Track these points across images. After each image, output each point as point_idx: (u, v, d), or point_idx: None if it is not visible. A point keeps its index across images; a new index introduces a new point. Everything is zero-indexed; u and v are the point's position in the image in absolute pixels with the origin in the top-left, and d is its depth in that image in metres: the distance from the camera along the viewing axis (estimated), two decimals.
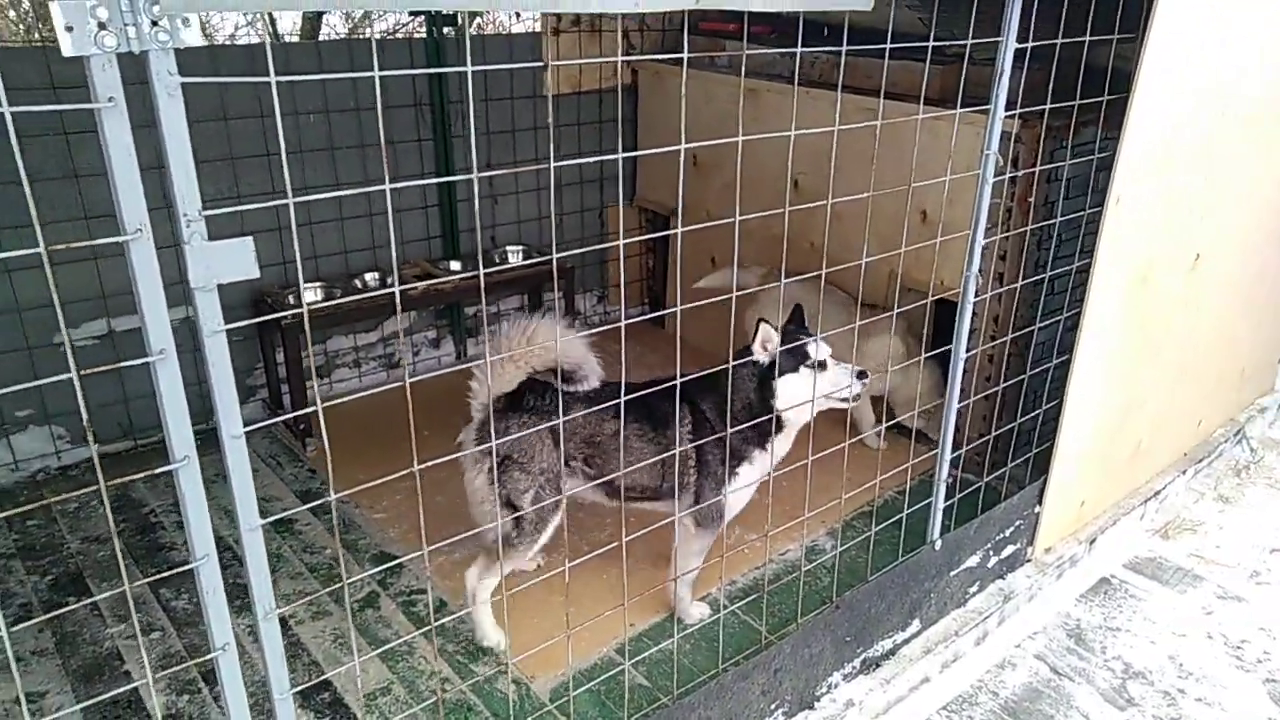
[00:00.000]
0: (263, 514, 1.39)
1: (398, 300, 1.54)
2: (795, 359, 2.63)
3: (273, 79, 1.21)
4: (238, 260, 1.24)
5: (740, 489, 2.73)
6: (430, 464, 1.63)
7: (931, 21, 3.26)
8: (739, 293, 2.22)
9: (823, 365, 2.65)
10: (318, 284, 4.10)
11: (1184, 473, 3.82)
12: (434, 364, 4.72)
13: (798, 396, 2.60)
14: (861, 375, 2.67)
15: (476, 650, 2.81)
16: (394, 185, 1.43)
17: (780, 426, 2.72)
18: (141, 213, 1.16)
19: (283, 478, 3.74)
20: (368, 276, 4.20)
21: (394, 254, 1.42)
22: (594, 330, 2.71)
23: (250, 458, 1.36)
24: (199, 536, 1.34)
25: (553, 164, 1.68)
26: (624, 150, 5.03)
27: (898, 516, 2.85)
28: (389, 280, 4.20)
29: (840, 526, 3.30)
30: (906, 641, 2.83)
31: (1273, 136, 3.34)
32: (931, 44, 2.06)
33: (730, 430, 2.49)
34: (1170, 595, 3.31)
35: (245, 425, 1.32)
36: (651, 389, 2.49)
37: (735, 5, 1.70)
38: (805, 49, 1.78)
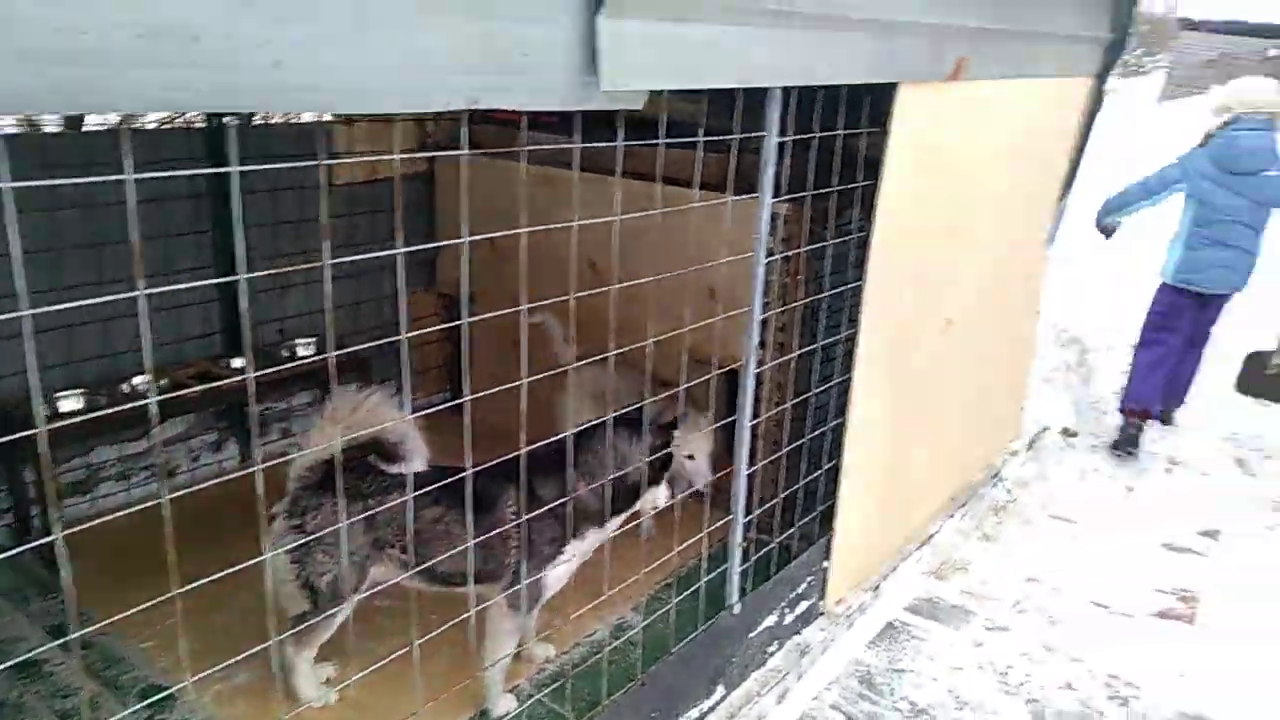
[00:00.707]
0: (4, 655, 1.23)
1: (155, 408, 1.44)
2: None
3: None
4: None
5: (564, 566, 2.73)
6: (193, 586, 1.51)
7: (705, 113, 3.52)
8: (538, 376, 2.24)
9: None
10: (77, 391, 3.74)
11: (951, 516, 4.18)
12: (215, 469, 4.41)
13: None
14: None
15: None
16: (151, 291, 1.35)
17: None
18: None
19: (29, 614, 3.32)
20: (136, 380, 3.89)
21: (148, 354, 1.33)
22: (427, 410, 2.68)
23: None
24: None
25: (327, 260, 1.63)
26: (422, 237, 5.00)
27: (697, 585, 2.92)
28: (161, 383, 3.91)
29: (644, 600, 3.34)
30: (713, 709, 2.88)
31: (1004, 214, 3.82)
32: (703, 138, 2.21)
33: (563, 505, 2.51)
34: (947, 632, 3.57)
35: None
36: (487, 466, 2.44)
37: (519, 103, 1.71)
38: (585, 144, 1.87)
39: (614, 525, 2.82)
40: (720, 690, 2.91)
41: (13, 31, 0.90)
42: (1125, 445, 5.04)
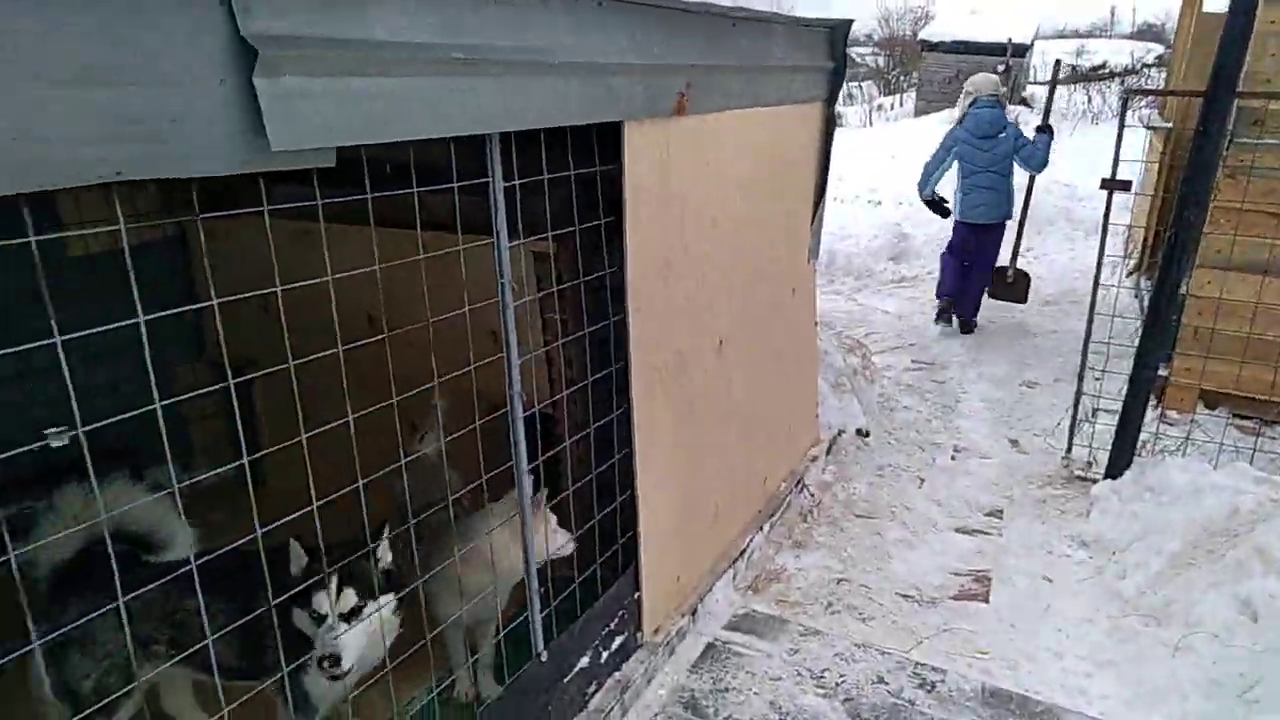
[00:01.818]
0: None
1: None
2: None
3: None
4: None
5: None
6: None
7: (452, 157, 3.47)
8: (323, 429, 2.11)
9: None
10: None
11: (761, 528, 4.29)
12: None
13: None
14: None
15: None
16: None
17: None
18: None
19: None
20: None
21: None
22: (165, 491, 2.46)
23: None
24: None
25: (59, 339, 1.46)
26: (178, 304, 4.67)
27: (495, 638, 2.84)
28: None
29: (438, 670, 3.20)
30: None
31: (757, 233, 3.99)
32: (419, 188, 2.15)
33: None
34: (764, 645, 3.64)
35: None
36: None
37: (180, 171, 1.63)
38: (331, 198, 1.79)
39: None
40: None
41: None
42: (941, 317, 7.51)
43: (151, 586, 2.05)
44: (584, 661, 3.11)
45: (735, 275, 3.79)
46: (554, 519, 3.06)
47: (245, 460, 1.88)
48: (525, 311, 3.64)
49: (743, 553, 4.09)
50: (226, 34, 1.34)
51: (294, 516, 2.03)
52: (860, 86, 24.00)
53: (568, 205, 2.98)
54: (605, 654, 3.23)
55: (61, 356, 1.52)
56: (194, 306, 2.05)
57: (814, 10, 3.83)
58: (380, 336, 2.28)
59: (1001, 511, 4.74)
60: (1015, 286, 7.39)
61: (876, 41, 28.99)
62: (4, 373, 3.99)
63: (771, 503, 4.48)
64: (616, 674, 3.29)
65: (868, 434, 5.38)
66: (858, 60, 25.64)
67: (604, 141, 2.75)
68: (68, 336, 1.48)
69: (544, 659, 2.88)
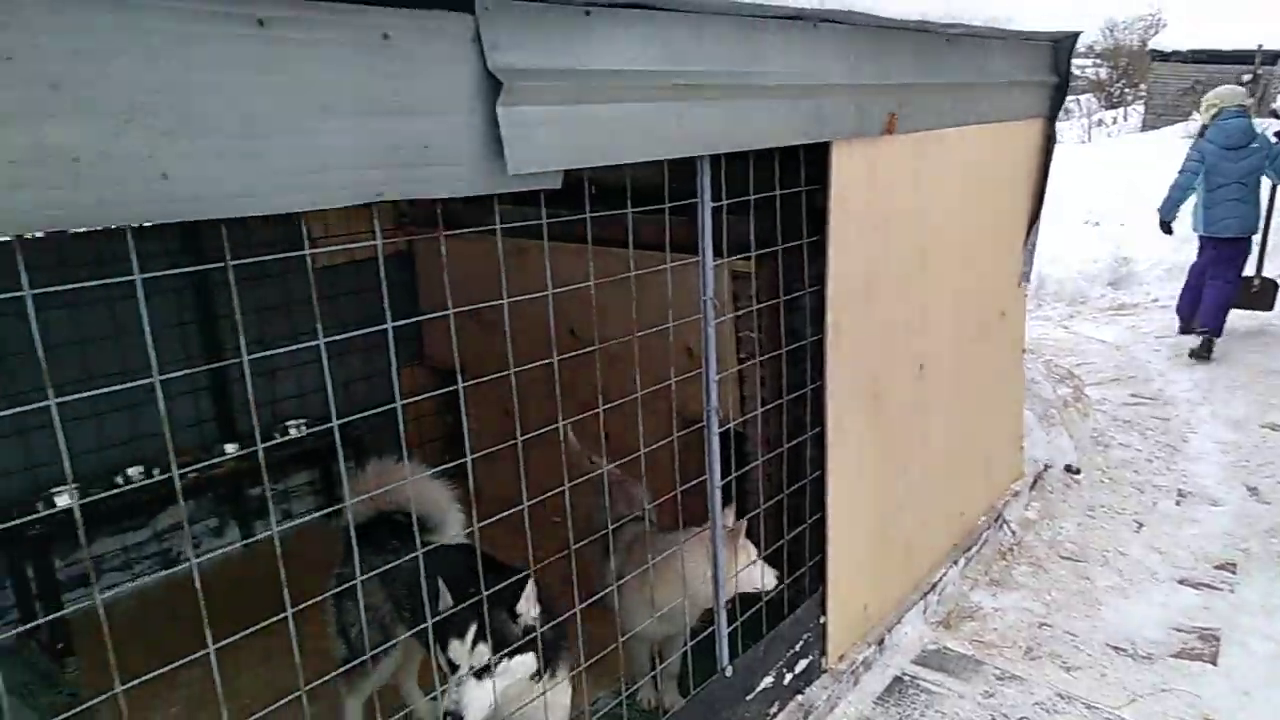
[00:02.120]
0: None
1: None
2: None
3: None
4: None
5: None
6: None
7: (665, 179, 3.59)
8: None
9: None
10: (71, 485, 3.80)
11: (956, 563, 4.10)
12: (215, 555, 4.44)
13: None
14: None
15: None
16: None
17: None
18: None
19: (35, 707, 3.34)
20: (130, 471, 3.96)
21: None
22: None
23: None
24: None
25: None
26: (404, 313, 5.08)
27: (681, 650, 2.89)
28: (154, 473, 3.98)
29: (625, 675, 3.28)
30: None
31: (967, 256, 3.83)
32: (631, 209, 2.24)
33: None
34: (956, 684, 3.48)
35: None
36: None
37: (428, 193, 1.80)
38: (550, 218, 1.93)
39: None
40: None
41: None
42: (1201, 352, 7.00)
43: (404, 559, 2.26)
44: (767, 681, 3.09)
45: (940, 297, 3.66)
46: (753, 551, 3.05)
47: (469, 459, 2.02)
48: (723, 329, 3.69)
49: (934, 586, 3.93)
50: (477, 68, 1.48)
51: (504, 515, 2.16)
52: (1079, 101, 22.44)
53: (770, 224, 3.01)
54: (789, 676, 3.20)
55: (323, 354, 1.70)
56: (424, 317, 2.22)
57: (1037, 23, 3.65)
58: (588, 350, 2.38)
59: (1235, 565, 4.26)
60: (1261, 295, 7.14)
61: (1099, 52, 26.95)
62: (256, 369, 4.48)
63: (968, 537, 4.27)
64: (799, 697, 3.25)
65: (1078, 471, 5.01)
66: (1077, 73, 24.00)
67: (811, 160, 2.75)
68: (330, 338, 1.65)
69: (729, 674, 2.89)
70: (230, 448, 4.30)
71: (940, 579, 3.97)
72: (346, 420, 1.74)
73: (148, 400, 4.16)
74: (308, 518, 4.52)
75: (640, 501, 3.40)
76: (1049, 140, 4.15)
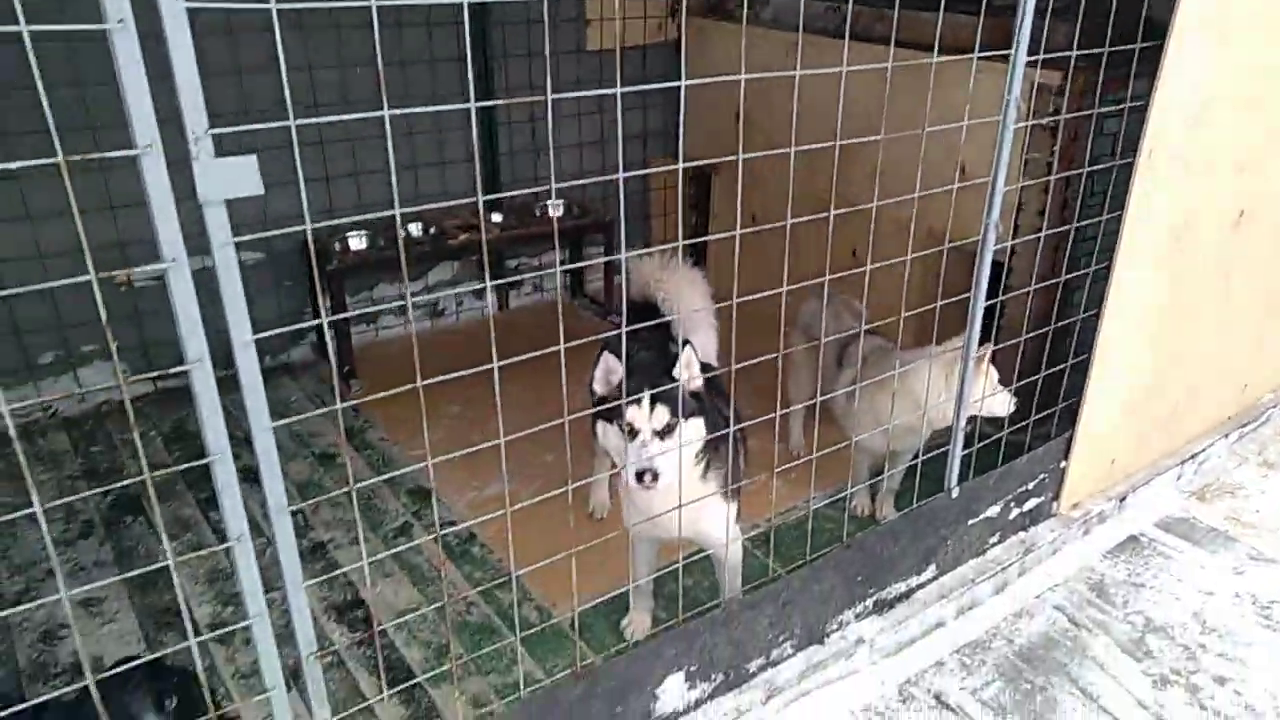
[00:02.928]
0: (309, 446, 1.50)
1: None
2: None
3: (274, 6, 1.27)
4: (243, 177, 1.34)
5: None
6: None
7: None
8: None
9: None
10: (363, 232, 4.23)
11: (1226, 436, 3.74)
12: (476, 315, 4.85)
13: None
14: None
15: (499, 577, 2.95)
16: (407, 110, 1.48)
17: None
18: (152, 128, 1.25)
19: (328, 415, 3.92)
20: (411, 227, 4.33)
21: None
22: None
23: (299, 397, 1.46)
24: (214, 433, 1.45)
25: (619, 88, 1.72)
26: (666, 106, 5.05)
27: (913, 461, 2.87)
28: (431, 230, 4.33)
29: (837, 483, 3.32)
30: (921, 586, 2.87)
31: None
32: None
33: None
34: (1200, 555, 3.27)
35: (297, 365, 1.43)
36: None
37: None
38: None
39: None
40: (932, 570, 2.88)
41: None
42: None
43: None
44: (992, 511, 3.03)
45: None
46: (995, 375, 2.95)
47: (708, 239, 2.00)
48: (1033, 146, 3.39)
49: (1195, 456, 3.62)
50: None
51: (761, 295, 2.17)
52: None
53: (1091, 33, 2.64)
54: (1015, 511, 3.12)
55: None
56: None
57: None
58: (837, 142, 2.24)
59: None
60: None
61: None
62: (520, 148, 4.68)
63: (1248, 412, 3.86)
64: (1022, 534, 3.18)
65: None
66: None
67: None
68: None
69: (954, 495, 2.86)
70: (496, 218, 4.58)
71: (1204, 450, 3.65)
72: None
73: (429, 163, 4.49)
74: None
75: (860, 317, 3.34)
76: None
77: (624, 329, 2.01)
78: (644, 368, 2.24)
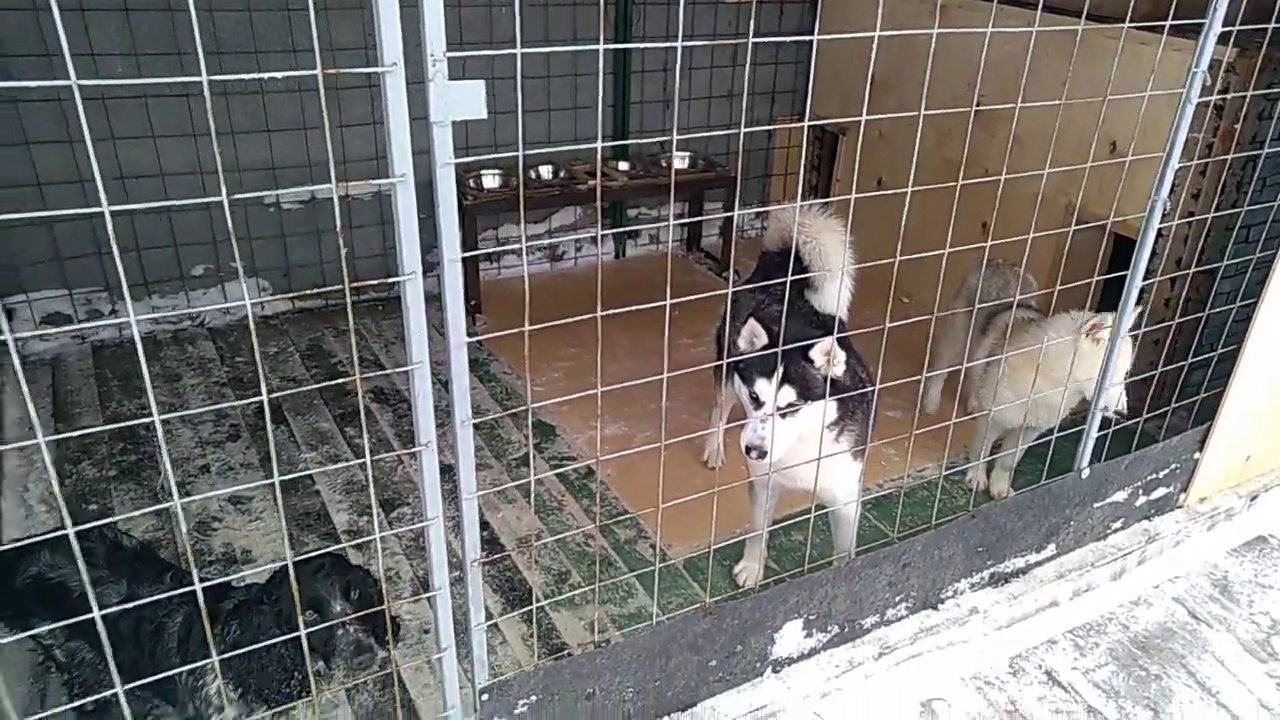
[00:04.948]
0: (434, 375, 1.58)
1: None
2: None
3: None
4: (471, 101, 1.40)
5: None
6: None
7: None
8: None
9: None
10: (496, 171, 4.32)
11: None
12: (593, 261, 4.92)
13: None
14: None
15: (616, 513, 3.04)
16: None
17: None
18: (397, 49, 1.31)
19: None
20: (542, 169, 4.40)
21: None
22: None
23: (427, 328, 1.53)
24: (417, 345, 1.54)
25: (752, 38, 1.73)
26: (799, 64, 4.99)
27: (1045, 439, 2.84)
28: (560, 174, 4.40)
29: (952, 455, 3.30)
30: (1039, 563, 2.85)
31: None
32: None
33: None
34: None
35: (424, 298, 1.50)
36: None
37: None
38: None
39: None
40: (1051, 548, 2.86)
41: None
42: None
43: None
44: (1119, 496, 2.98)
45: None
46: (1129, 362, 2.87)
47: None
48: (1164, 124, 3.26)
49: None
50: None
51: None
52: None
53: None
54: (1142, 499, 3.06)
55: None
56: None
57: None
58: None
59: None
60: None
61: None
62: (650, 98, 4.68)
63: None
64: (1146, 523, 3.12)
65: None
66: None
67: None
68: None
69: (1084, 476, 2.82)
70: (622, 166, 4.62)
71: None
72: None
73: (561, 108, 4.52)
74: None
75: (1029, 287, 3.27)
76: None
77: (743, 287, 2.02)
78: (788, 339, 2.23)
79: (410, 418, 3.26)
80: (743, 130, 1.65)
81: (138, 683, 1.47)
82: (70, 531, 1.25)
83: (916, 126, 1.90)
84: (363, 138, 3.99)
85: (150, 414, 1.24)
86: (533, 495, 3.10)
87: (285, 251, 4.01)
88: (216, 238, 3.96)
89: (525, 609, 2.63)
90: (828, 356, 2.25)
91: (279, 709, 1.66)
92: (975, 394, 3.27)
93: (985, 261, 3.22)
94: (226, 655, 1.51)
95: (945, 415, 3.13)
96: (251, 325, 1.40)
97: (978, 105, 3.83)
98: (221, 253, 4.01)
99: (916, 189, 1.93)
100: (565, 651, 2.51)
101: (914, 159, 1.97)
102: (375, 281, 1.41)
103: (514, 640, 2.56)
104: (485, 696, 1.89)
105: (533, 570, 2.83)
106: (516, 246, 4.50)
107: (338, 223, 1.39)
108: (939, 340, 3.52)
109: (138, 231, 3.79)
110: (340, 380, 3.52)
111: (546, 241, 3.91)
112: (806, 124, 5.09)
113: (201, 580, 1.45)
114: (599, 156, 1.61)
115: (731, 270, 4.52)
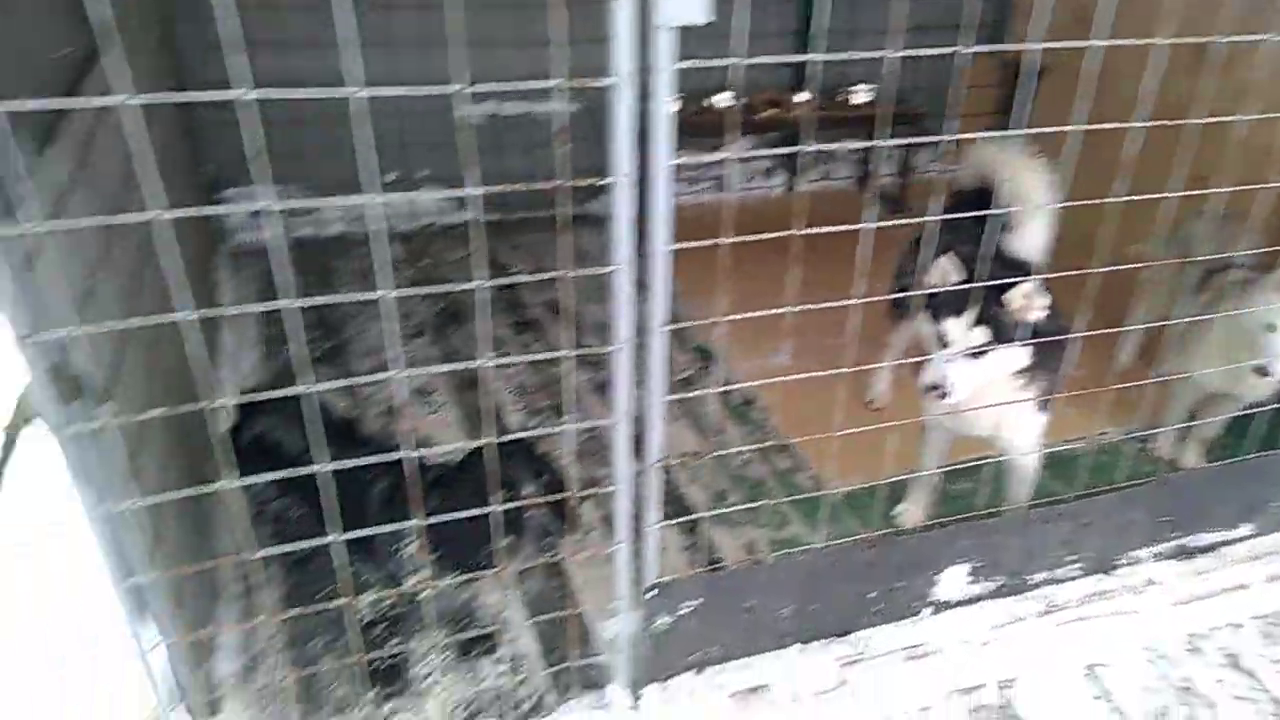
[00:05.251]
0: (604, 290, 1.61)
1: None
2: None
3: None
4: (696, 4, 1.41)
5: None
6: None
7: None
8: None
9: None
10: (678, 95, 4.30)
11: None
12: (764, 193, 4.86)
13: None
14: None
15: (775, 439, 3.04)
16: None
17: None
18: None
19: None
20: (721, 97, 4.34)
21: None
22: None
23: (594, 247, 1.56)
24: (626, 248, 1.58)
25: None
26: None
27: (1228, 416, 2.63)
28: (741, 102, 4.33)
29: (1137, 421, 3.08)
30: (1231, 542, 2.66)
31: None
32: None
33: None
34: None
35: (593, 218, 1.51)
36: None
37: None
38: None
39: None
40: (1247, 527, 2.66)
41: None
42: None
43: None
44: None
45: None
46: None
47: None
48: None
49: None
50: None
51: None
52: None
53: None
54: None
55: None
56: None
57: None
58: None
59: None
60: None
61: None
62: (834, 27, 4.50)
63: None
64: None
65: None
66: None
67: None
68: None
69: None
70: (801, 96, 4.50)
71: None
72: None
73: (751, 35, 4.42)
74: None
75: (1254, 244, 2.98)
76: None
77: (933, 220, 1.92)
78: (984, 279, 2.12)
79: (579, 333, 3.40)
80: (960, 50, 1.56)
81: (345, 535, 1.61)
82: (304, 390, 1.36)
83: (1125, 69, 1.75)
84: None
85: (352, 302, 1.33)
86: (711, 411, 3.14)
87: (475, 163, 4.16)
88: (405, 141, 4.11)
89: (694, 516, 2.67)
90: (1027, 299, 2.14)
91: (467, 576, 1.78)
92: (1176, 355, 3.04)
93: (1205, 214, 2.96)
94: (428, 521, 1.62)
95: (1133, 376, 2.93)
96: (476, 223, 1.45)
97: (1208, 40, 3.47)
98: (411, 159, 4.19)
99: (1140, 124, 1.79)
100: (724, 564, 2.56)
101: (1138, 95, 1.81)
102: (587, 182, 1.43)
103: (673, 550, 2.63)
104: (652, 594, 1.96)
105: (693, 486, 2.88)
106: (716, 171, 4.46)
107: (566, 120, 1.42)
108: (1146, 292, 3.27)
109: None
110: (542, 275, 3.57)
111: (751, 158, 3.84)
112: (1026, 47, 4.79)
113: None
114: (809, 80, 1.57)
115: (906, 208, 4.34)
